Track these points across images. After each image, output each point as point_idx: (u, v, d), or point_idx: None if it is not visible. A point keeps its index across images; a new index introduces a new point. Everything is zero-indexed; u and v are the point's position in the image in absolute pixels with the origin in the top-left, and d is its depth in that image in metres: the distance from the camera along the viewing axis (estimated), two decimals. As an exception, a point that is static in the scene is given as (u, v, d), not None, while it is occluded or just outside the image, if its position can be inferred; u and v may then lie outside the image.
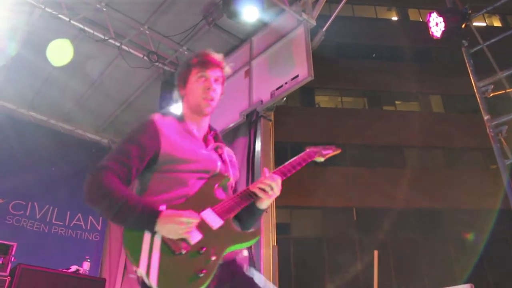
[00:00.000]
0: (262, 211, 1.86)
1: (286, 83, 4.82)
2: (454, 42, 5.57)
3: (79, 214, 6.52)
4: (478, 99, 5.24)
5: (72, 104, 6.60)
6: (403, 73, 17.59)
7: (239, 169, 2.11)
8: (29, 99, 6.44)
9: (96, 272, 6.15)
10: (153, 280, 1.45)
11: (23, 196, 6.15)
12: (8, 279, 4.08)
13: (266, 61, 5.32)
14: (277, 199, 1.91)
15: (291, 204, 14.45)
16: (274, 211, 4.59)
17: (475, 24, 5.60)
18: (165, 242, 1.52)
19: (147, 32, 5.51)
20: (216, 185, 1.79)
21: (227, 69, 1.98)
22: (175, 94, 2.00)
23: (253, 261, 4.10)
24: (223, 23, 5.40)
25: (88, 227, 6.55)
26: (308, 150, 2.01)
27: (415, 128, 16.25)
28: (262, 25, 5.44)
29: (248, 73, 5.49)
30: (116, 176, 1.62)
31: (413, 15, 20.42)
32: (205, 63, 1.90)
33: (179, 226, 1.53)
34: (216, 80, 1.91)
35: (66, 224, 6.41)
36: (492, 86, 5.13)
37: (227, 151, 1.99)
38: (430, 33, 5.40)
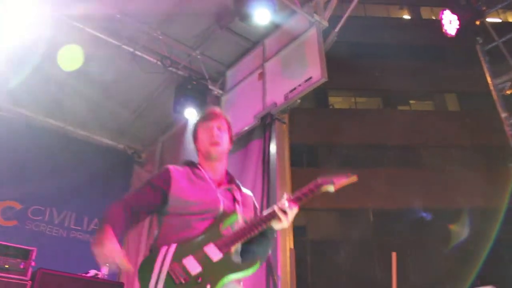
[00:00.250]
0: (274, 232, 2.04)
1: (299, 85, 4.79)
2: (468, 39, 5.50)
3: (96, 219, 6.59)
4: (494, 96, 5.15)
5: (88, 110, 6.65)
6: (417, 72, 17.40)
7: (257, 210, 2.24)
8: (46, 106, 6.52)
9: (114, 277, 6.20)
10: None
11: (42, 202, 6.26)
12: (29, 283, 4.14)
13: (279, 64, 5.31)
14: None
15: (306, 207, 14.34)
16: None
17: (489, 20, 5.50)
18: (169, 274, 1.75)
19: (160, 37, 5.55)
20: (221, 224, 1.93)
21: (229, 118, 2.24)
22: (193, 147, 2.26)
23: (270, 266, 4.10)
24: (235, 26, 5.42)
25: (106, 232, 6.59)
26: (318, 180, 1.97)
27: (430, 127, 16.02)
28: (274, 27, 5.43)
29: (261, 76, 5.48)
30: (123, 207, 1.90)
31: (426, 13, 20.20)
32: (207, 116, 2.20)
33: (100, 255, 1.72)
34: (219, 128, 2.15)
35: (84, 229, 6.50)
36: (510, 83, 5.05)
37: (244, 192, 2.20)
38: (444, 31, 5.33)
